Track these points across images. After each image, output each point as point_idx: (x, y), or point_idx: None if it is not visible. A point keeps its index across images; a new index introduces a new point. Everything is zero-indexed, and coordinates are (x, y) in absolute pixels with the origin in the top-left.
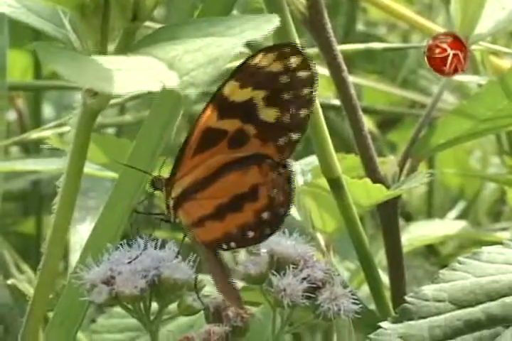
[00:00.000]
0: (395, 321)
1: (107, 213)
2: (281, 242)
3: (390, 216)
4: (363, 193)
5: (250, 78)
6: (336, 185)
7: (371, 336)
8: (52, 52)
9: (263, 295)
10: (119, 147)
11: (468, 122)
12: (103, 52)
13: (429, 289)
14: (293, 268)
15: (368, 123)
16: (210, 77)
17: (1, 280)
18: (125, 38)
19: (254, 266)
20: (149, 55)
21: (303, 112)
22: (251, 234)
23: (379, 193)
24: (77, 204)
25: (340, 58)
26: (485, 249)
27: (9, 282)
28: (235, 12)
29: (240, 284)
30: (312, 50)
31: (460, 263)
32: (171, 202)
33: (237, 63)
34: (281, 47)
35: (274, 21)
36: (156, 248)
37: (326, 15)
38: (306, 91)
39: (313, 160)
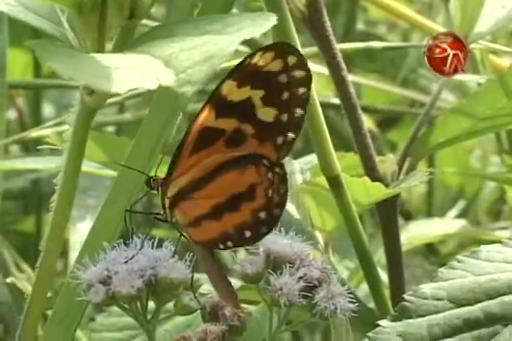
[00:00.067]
0: (394, 319)
1: (106, 211)
2: (277, 241)
3: (390, 214)
4: (362, 192)
5: (248, 77)
6: (335, 183)
7: (370, 334)
8: (49, 50)
9: (260, 294)
10: (118, 145)
11: (468, 121)
12: (100, 50)
13: (427, 287)
14: (289, 267)
15: (367, 122)
16: (206, 75)
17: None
18: (122, 35)
19: (250, 265)
20: (146, 53)
21: (298, 112)
22: (248, 233)
23: (378, 192)
24: (77, 202)
25: (340, 57)
26: (484, 247)
27: (8, 280)
28: (234, 11)
29: (236, 283)
30: (311, 49)
31: (459, 261)
32: (167, 202)
33: (234, 62)
34: (279, 47)
35: (271, 19)
36: (152, 247)
37: (325, 13)
38: (301, 90)
39: (312, 158)
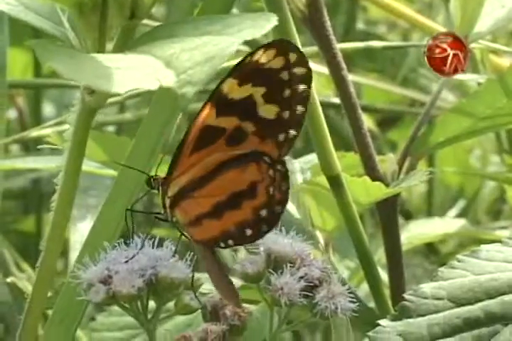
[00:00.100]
0: (394, 319)
1: (107, 211)
2: (278, 241)
3: (390, 214)
4: (363, 191)
5: (250, 75)
6: (335, 183)
7: (370, 334)
8: (50, 50)
9: (260, 294)
10: (119, 145)
11: (468, 120)
12: (101, 50)
13: (428, 287)
14: (290, 266)
15: (367, 122)
16: (207, 76)
17: (0, 279)
18: (123, 35)
19: (251, 264)
20: (147, 53)
21: (299, 109)
22: (249, 231)
23: (378, 191)
24: (77, 202)
25: (340, 56)
26: (484, 247)
27: (9, 280)
28: (235, 11)
29: (237, 283)
30: (312, 49)
31: (459, 261)
32: (168, 201)
33: (234, 61)
34: (280, 44)
35: (272, 20)
36: (153, 247)
37: (325, 13)
38: (302, 87)
39: (312, 158)
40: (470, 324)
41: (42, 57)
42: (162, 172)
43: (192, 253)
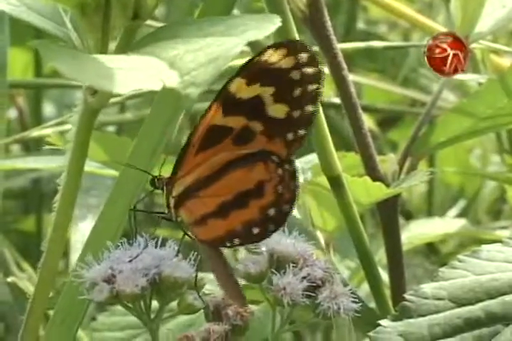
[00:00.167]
0: (395, 319)
1: (108, 211)
2: (281, 241)
3: (390, 214)
4: (363, 191)
5: (259, 75)
6: (336, 183)
7: (371, 334)
8: (53, 51)
9: (263, 294)
10: (119, 145)
11: (469, 120)
12: (104, 50)
13: (428, 287)
14: (293, 266)
15: (368, 122)
16: (211, 77)
17: (1, 278)
18: (126, 36)
19: (254, 264)
20: (150, 54)
21: (310, 108)
22: (256, 230)
23: (379, 191)
24: (78, 202)
25: (341, 56)
26: (484, 247)
27: (9, 280)
28: (235, 11)
29: (239, 283)
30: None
31: (460, 261)
32: (172, 201)
33: (237, 62)
34: (291, 44)
35: (275, 21)
36: (156, 246)
37: (326, 13)
38: (313, 87)
39: (313, 158)
40: (471, 324)
41: (45, 57)
42: (164, 172)
43: (195, 253)
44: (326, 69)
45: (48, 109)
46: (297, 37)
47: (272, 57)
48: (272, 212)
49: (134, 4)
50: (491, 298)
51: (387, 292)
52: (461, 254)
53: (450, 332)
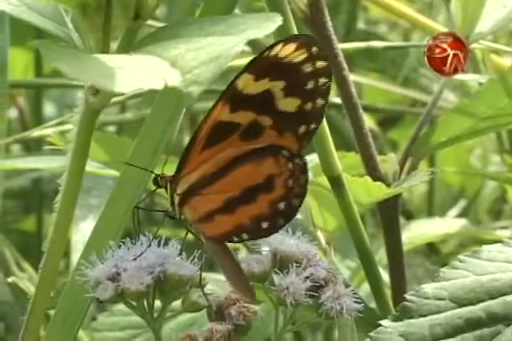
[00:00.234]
0: (396, 319)
1: (109, 211)
2: (284, 241)
3: (391, 214)
4: (364, 191)
5: (268, 69)
6: (336, 183)
7: (372, 334)
8: (54, 51)
9: (266, 294)
10: (120, 145)
11: (469, 120)
12: (105, 50)
13: (429, 287)
14: (296, 266)
15: (368, 122)
16: (213, 75)
17: (1, 278)
18: (127, 36)
19: (257, 264)
20: (152, 54)
21: (319, 102)
22: (265, 224)
23: (379, 191)
24: (79, 202)
25: (341, 56)
26: (485, 247)
27: (10, 280)
28: (236, 11)
29: None
30: None
31: (460, 261)
32: (177, 199)
33: (237, 61)
34: (301, 38)
35: (276, 20)
36: (158, 245)
37: (326, 13)
38: (323, 80)
39: (313, 158)
40: (472, 324)
41: (47, 57)
42: (165, 172)
43: (199, 251)
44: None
45: (49, 108)
46: None
47: (282, 51)
48: (281, 206)
49: (135, 4)
50: (492, 298)
51: (388, 292)
52: (462, 254)
53: (451, 333)
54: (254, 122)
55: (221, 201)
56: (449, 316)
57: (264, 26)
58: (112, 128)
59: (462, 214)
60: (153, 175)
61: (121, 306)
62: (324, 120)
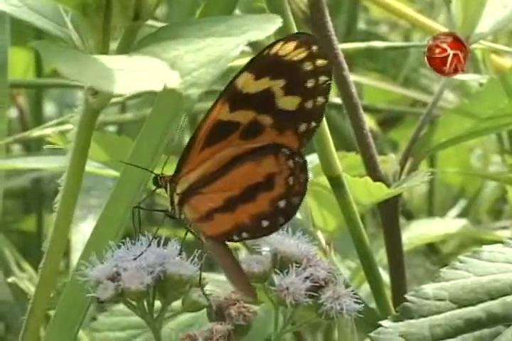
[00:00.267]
0: (396, 320)
1: (109, 211)
2: (284, 241)
3: (391, 214)
4: (364, 192)
5: (268, 68)
6: (336, 183)
7: (372, 334)
8: (54, 51)
9: (266, 294)
10: (120, 145)
11: (470, 121)
12: (105, 51)
13: (429, 288)
14: (296, 267)
15: (368, 122)
16: (212, 77)
17: (1, 278)
18: (127, 36)
19: (257, 264)
20: (151, 55)
21: (320, 100)
22: (265, 223)
23: (380, 192)
24: (79, 202)
25: (342, 57)
26: (485, 247)
27: (10, 280)
28: (236, 11)
29: None
30: None
31: (461, 262)
32: (177, 198)
33: (238, 62)
34: (301, 37)
35: (276, 21)
36: (159, 245)
37: (327, 13)
38: (323, 79)
39: (313, 158)
40: (472, 325)
41: (46, 58)
42: (165, 172)
43: (199, 251)
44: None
45: (49, 108)
46: None
47: (282, 50)
48: (282, 204)
49: (134, 5)
50: (492, 298)
51: (388, 292)
52: (462, 255)
53: (451, 333)
54: (254, 121)
55: (221, 200)
56: (449, 317)
57: (265, 27)
58: (112, 128)
59: (462, 215)
60: (153, 175)
61: (121, 306)
62: (324, 120)
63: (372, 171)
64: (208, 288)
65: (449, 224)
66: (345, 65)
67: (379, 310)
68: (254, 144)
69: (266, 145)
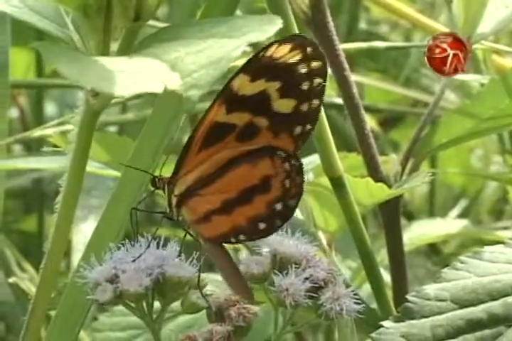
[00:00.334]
0: (397, 320)
1: (110, 212)
2: (284, 242)
3: (392, 215)
4: (365, 192)
5: (263, 70)
6: (337, 183)
7: (373, 335)
8: (55, 52)
9: (266, 295)
10: (121, 145)
11: (471, 121)
12: (105, 51)
13: (431, 288)
14: (295, 267)
15: (370, 122)
16: (212, 79)
17: (2, 279)
18: (128, 37)
19: (256, 265)
20: (152, 56)
21: (315, 103)
22: (262, 225)
23: (381, 192)
24: (80, 203)
25: (343, 57)
26: (487, 248)
27: (11, 280)
28: (237, 12)
29: None
30: None
31: (462, 262)
32: (174, 200)
33: (239, 63)
34: (296, 39)
35: (277, 23)
36: (157, 247)
37: (328, 14)
38: (318, 81)
39: (315, 158)
40: (473, 325)
41: (47, 59)
42: (165, 172)
43: (198, 252)
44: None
45: (50, 108)
46: None
47: (277, 52)
48: (278, 206)
49: (135, 5)
50: (493, 299)
51: (389, 293)
52: (463, 255)
53: (453, 334)
54: (250, 123)
55: (218, 202)
56: (451, 317)
57: (265, 29)
58: (112, 129)
59: (463, 215)
60: (151, 177)
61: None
62: (325, 120)
63: (374, 172)
64: (207, 289)
65: (450, 225)
66: (346, 65)
67: (380, 310)
68: (250, 146)
69: (262, 148)
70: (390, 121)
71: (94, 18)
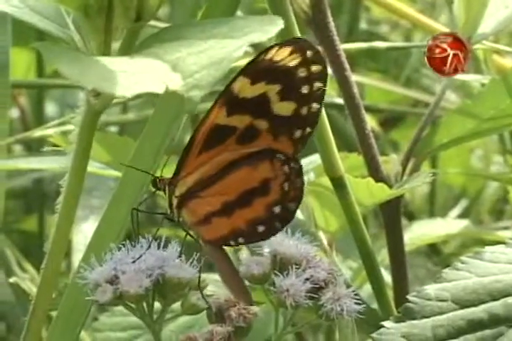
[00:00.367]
0: (398, 320)
1: (111, 212)
2: (284, 242)
3: (393, 215)
4: (366, 192)
5: (263, 73)
6: (338, 184)
7: (374, 335)
8: (56, 53)
9: (266, 295)
10: (122, 145)
11: (471, 121)
12: (107, 52)
13: (431, 288)
14: (296, 268)
15: (370, 122)
16: (214, 79)
17: (3, 279)
18: (129, 37)
19: (257, 265)
20: (153, 56)
21: (315, 106)
22: (261, 228)
23: (382, 192)
24: (81, 203)
25: (343, 57)
26: (487, 248)
27: (12, 280)
28: (238, 12)
29: None
30: None
31: (463, 262)
32: (175, 201)
33: (240, 63)
34: (295, 42)
35: (278, 23)
36: (158, 247)
37: (329, 14)
38: (317, 85)
39: (315, 158)
40: (474, 326)
41: (48, 59)
42: (167, 173)
43: (198, 253)
44: (328, 70)
45: (50, 108)
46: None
47: (277, 55)
48: (277, 209)
49: (136, 6)
50: (494, 299)
51: (390, 293)
52: (464, 256)
53: (453, 334)
54: (250, 126)
55: (218, 204)
56: (451, 317)
57: (266, 29)
58: (113, 129)
59: (464, 215)
60: (152, 178)
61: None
62: (326, 120)
63: (375, 172)
64: (208, 289)
65: (450, 225)
66: (347, 65)
67: (381, 310)
68: (250, 149)
69: (262, 151)
70: (390, 121)
71: (95, 18)
